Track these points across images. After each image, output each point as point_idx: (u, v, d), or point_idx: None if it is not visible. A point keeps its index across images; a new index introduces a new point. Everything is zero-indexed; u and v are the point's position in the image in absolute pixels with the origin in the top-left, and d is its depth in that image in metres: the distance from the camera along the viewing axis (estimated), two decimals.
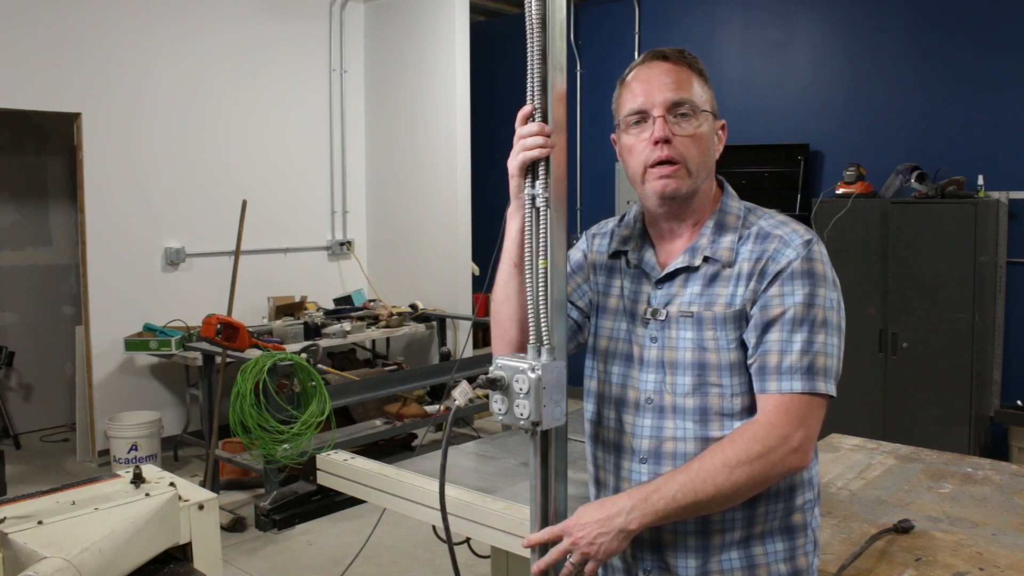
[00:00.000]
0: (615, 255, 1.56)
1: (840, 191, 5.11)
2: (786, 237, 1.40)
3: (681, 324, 1.42)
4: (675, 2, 6.34)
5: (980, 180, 4.81)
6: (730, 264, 1.41)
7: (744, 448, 1.31)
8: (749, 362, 1.38)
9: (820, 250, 1.39)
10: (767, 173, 5.64)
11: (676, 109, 1.40)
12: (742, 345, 1.39)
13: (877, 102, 5.45)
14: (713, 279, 1.42)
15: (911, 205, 4.82)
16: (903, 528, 1.89)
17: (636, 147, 1.43)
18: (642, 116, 1.42)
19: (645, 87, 1.42)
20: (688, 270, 1.44)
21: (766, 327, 1.36)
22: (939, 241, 4.67)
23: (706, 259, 1.43)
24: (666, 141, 1.39)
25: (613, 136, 1.51)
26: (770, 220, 1.45)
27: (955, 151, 5.08)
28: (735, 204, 1.48)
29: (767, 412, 1.34)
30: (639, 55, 1.46)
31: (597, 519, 1.31)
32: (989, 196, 4.86)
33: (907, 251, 4.73)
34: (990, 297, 4.88)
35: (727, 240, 1.43)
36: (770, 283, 1.37)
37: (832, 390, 1.35)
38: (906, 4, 5.31)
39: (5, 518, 1.50)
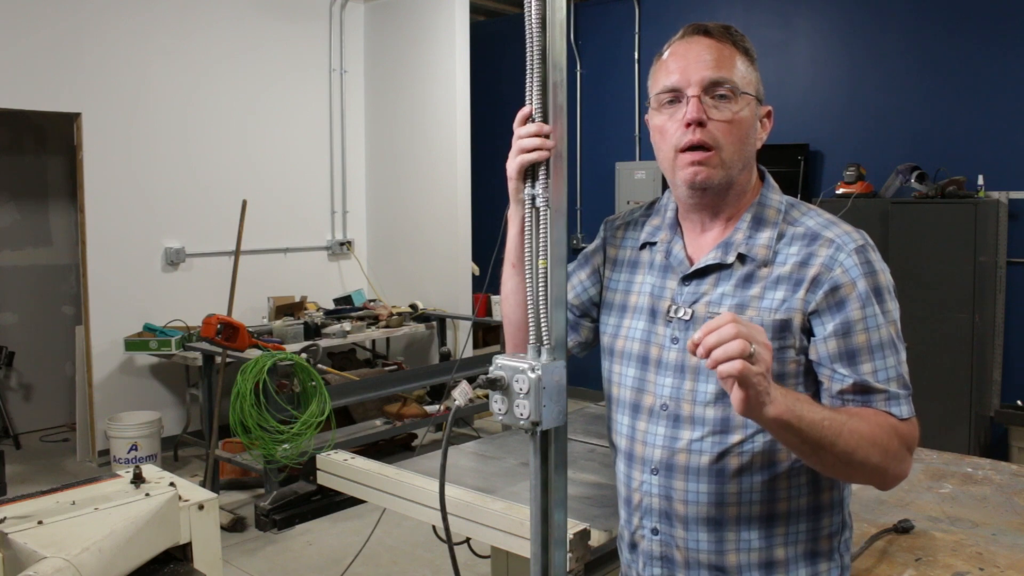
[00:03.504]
0: (643, 247, 1.45)
1: (840, 191, 5.11)
2: (838, 240, 1.28)
3: None
4: (675, 2, 6.34)
5: (980, 180, 4.81)
6: (767, 263, 1.30)
7: (886, 437, 1.22)
8: (838, 389, 1.26)
9: (876, 257, 1.29)
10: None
11: (714, 89, 1.28)
12: (778, 356, 1.26)
13: (877, 102, 5.45)
14: (748, 279, 1.31)
15: (911, 205, 4.82)
16: (903, 528, 1.89)
17: (668, 128, 1.32)
18: (676, 95, 1.30)
19: (682, 63, 1.30)
20: (720, 267, 1.33)
21: (854, 355, 1.25)
22: (939, 241, 4.66)
23: (740, 257, 1.32)
24: (700, 124, 1.27)
25: (647, 117, 1.39)
26: (818, 218, 1.33)
27: (955, 151, 5.08)
28: (776, 198, 1.37)
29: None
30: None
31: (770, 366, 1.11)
32: (989, 196, 4.86)
33: (907, 251, 4.73)
34: (990, 297, 4.87)
35: (764, 237, 1.32)
36: (836, 301, 1.25)
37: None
38: (906, 4, 5.31)
39: (5, 518, 1.50)
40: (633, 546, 1.45)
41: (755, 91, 1.33)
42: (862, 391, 1.26)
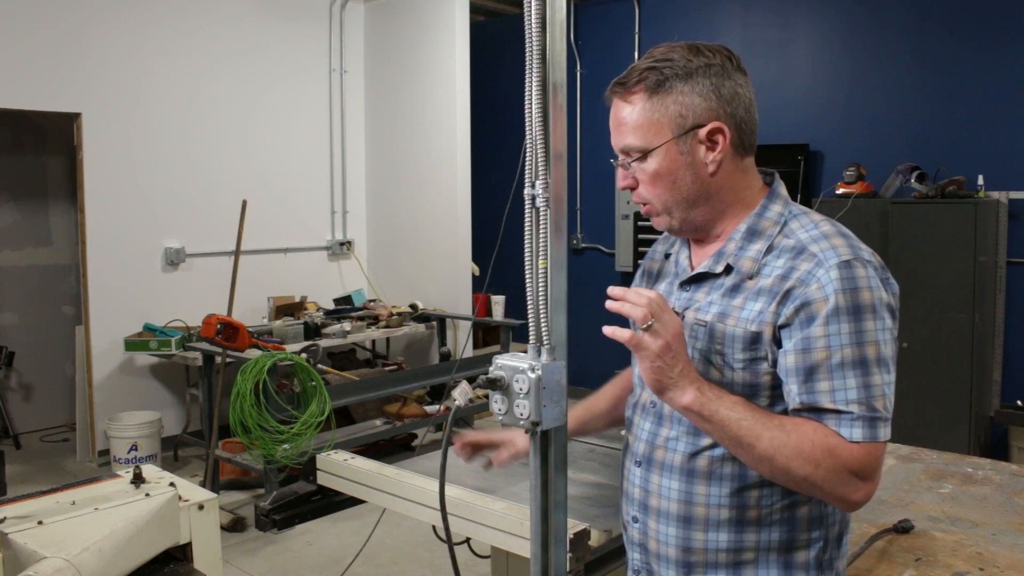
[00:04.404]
0: (667, 257, 1.52)
1: (840, 191, 5.11)
2: (821, 256, 1.24)
3: (694, 332, 1.33)
4: (675, 2, 6.34)
5: (980, 180, 4.82)
6: (751, 276, 1.31)
7: (818, 453, 1.20)
8: (791, 406, 1.25)
9: (865, 273, 1.22)
10: None
11: (626, 154, 1.36)
12: (749, 367, 1.29)
13: (877, 102, 5.45)
14: (734, 290, 1.32)
15: (911, 205, 4.82)
16: (903, 528, 1.89)
17: None
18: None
19: (610, 129, 1.38)
20: (713, 276, 1.36)
21: (811, 373, 1.22)
22: (939, 241, 4.67)
23: (728, 268, 1.34)
24: (631, 188, 1.38)
25: None
26: (812, 231, 1.29)
27: (955, 151, 5.08)
28: (776, 209, 1.35)
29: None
30: (639, 55, 1.42)
31: (673, 349, 1.22)
32: (989, 196, 4.87)
33: (907, 251, 4.73)
34: (990, 297, 4.88)
35: (753, 250, 1.32)
36: (806, 316, 1.22)
37: (889, 432, 1.24)
38: (906, 4, 5.31)
39: (5, 518, 1.50)
40: (625, 528, 1.52)
41: (672, 130, 1.30)
42: (810, 410, 1.23)
